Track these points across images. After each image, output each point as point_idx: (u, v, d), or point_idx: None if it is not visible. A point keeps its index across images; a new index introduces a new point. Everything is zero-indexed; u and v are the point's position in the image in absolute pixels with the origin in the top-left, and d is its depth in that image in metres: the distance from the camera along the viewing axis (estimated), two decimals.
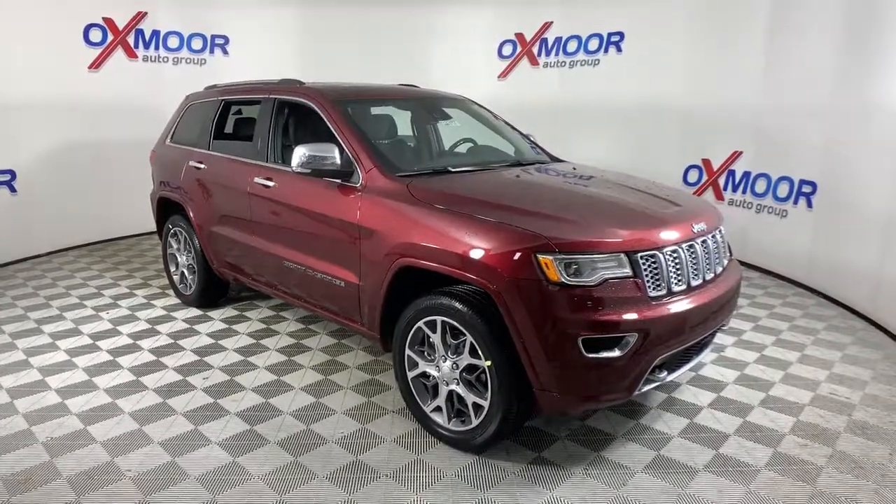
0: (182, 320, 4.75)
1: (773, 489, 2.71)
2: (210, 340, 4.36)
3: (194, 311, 4.94)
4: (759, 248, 6.18)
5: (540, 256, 2.56)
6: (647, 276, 2.66)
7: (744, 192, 6.26)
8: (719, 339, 4.33)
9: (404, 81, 5.23)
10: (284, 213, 3.83)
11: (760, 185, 6.07)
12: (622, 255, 2.62)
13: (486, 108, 4.77)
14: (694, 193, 6.72)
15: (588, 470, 2.85)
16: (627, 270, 2.62)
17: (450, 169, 3.55)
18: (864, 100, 4.86)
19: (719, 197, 6.52)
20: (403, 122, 4.35)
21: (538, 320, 2.55)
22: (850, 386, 3.71)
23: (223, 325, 4.64)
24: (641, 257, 2.66)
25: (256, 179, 4.00)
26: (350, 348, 4.22)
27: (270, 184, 3.90)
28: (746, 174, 6.23)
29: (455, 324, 2.82)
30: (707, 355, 4.06)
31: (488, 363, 2.72)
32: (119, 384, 3.70)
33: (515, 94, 8.17)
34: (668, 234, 2.80)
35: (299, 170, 3.36)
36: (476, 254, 2.69)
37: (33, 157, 6.55)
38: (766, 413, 3.37)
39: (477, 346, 2.76)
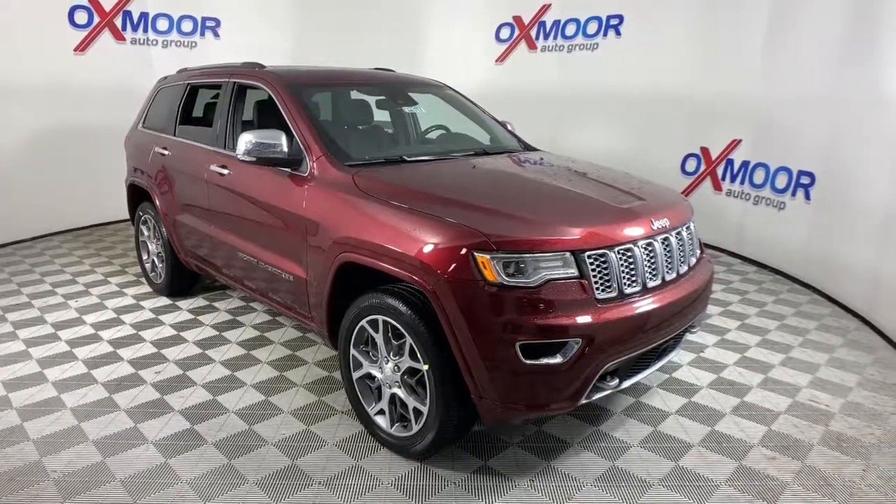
0: (149, 310, 4.64)
1: None
2: (172, 332, 4.24)
3: (163, 301, 4.83)
4: (757, 241, 5.90)
5: (477, 255, 2.37)
6: (595, 276, 2.46)
7: (742, 182, 5.97)
8: (700, 338, 4.13)
9: (399, 65, 5.01)
10: (239, 202, 3.67)
11: (759, 176, 5.78)
12: (567, 255, 2.42)
13: (461, 94, 4.55)
14: (691, 184, 6.46)
15: (534, 482, 2.68)
16: (573, 271, 2.42)
17: (404, 158, 3.36)
18: (867, 91, 4.55)
19: (717, 187, 6.25)
20: (370, 109, 4.15)
21: (474, 323, 2.37)
22: (832, 392, 3.47)
23: (189, 316, 4.52)
24: (589, 257, 2.46)
25: (213, 167, 3.85)
26: (313, 343, 4.08)
27: (225, 172, 3.75)
28: (745, 164, 5.94)
29: (396, 324, 2.65)
30: (683, 356, 3.86)
31: (426, 367, 2.55)
32: (69, 377, 3.59)
33: (512, 79, 7.92)
34: (623, 231, 2.59)
35: (244, 157, 3.18)
36: (412, 250, 2.51)
37: (16, 141, 6.46)
38: (736, 422, 3.16)
39: (416, 349, 2.59)
